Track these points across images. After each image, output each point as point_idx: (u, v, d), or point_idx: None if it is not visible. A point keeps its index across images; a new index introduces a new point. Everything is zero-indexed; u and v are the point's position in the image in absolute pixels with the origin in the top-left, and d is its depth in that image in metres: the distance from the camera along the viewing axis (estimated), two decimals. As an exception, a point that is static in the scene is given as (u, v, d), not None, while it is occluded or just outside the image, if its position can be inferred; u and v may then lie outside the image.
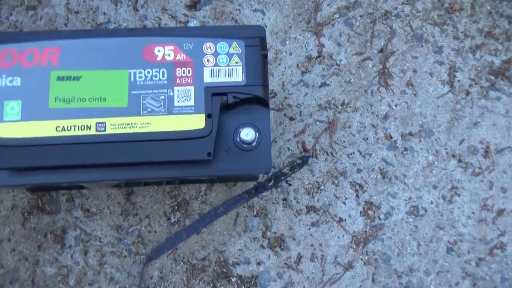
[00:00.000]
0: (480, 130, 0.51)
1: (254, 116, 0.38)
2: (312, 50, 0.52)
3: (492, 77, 0.52)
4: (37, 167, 0.36)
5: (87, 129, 0.36)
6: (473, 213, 0.49)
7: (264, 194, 0.48)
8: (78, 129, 0.36)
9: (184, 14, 0.52)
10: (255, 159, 0.38)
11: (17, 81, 0.36)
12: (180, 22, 0.52)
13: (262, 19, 0.53)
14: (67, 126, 0.36)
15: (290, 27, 0.53)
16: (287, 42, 0.52)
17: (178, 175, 0.38)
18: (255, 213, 0.48)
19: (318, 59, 0.52)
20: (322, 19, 0.53)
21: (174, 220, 0.47)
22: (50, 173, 0.37)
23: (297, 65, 0.52)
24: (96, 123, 0.36)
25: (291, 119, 0.50)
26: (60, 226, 0.46)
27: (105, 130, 0.36)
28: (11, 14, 0.51)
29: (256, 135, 0.37)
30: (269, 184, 0.48)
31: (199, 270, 0.46)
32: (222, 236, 0.47)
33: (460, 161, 0.50)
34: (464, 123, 0.51)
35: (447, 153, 0.50)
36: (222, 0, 0.53)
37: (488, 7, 0.54)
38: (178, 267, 0.46)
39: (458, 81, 0.52)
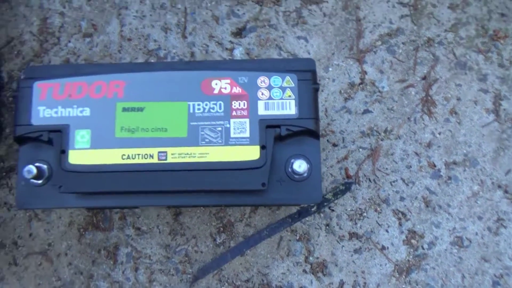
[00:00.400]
0: (527, 161, 0.50)
1: (305, 148, 0.40)
2: (354, 77, 0.53)
3: (539, 107, 0.51)
4: (103, 192, 0.39)
5: (150, 158, 0.38)
6: (521, 247, 0.48)
7: (307, 219, 0.49)
8: (142, 158, 0.38)
9: (230, 41, 0.55)
10: (306, 189, 0.39)
11: (87, 112, 0.39)
12: (227, 49, 0.55)
13: (305, 46, 0.54)
14: (132, 155, 0.38)
15: (333, 54, 0.54)
16: (330, 69, 0.54)
17: (232, 203, 0.40)
18: (298, 237, 0.49)
19: (361, 86, 0.53)
20: (364, 46, 0.54)
21: (220, 241, 0.49)
22: (114, 197, 0.40)
23: (340, 91, 0.53)
24: (158, 152, 0.38)
25: (334, 145, 0.51)
26: (113, 243, 0.49)
27: (166, 159, 0.38)
28: (69, 41, 0.55)
29: (308, 166, 0.39)
30: (312, 209, 0.49)
31: (246, 293, 0.47)
32: (266, 259, 0.48)
33: (506, 192, 0.49)
34: (510, 153, 0.50)
35: (492, 183, 0.50)
36: (266, 27, 0.55)
37: (534, 34, 0.53)
38: (224, 288, 0.48)
39: (504, 109, 0.52)
